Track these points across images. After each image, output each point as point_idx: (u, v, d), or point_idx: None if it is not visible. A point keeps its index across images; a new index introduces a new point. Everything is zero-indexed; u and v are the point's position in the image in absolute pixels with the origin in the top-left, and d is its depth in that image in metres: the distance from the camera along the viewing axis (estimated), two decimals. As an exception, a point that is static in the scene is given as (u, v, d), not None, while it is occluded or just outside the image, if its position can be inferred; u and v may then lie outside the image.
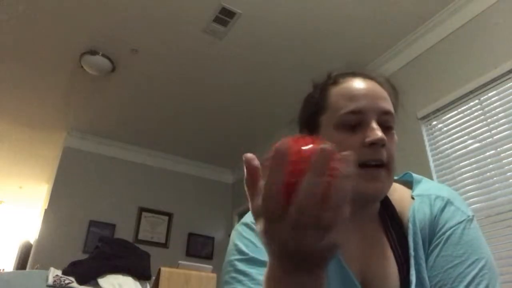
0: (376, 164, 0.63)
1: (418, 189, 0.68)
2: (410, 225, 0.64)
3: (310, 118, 0.74)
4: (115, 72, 3.49)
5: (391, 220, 0.67)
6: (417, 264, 0.61)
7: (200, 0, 2.77)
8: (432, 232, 0.63)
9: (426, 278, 0.61)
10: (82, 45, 3.22)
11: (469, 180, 2.37)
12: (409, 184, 0.71)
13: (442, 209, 0.64)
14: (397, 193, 0.71)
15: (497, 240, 2.13)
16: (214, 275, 2.12)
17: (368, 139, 0.63)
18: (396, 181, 0.72)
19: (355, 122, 0.65)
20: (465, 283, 0.59)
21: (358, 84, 0.68)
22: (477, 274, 0.61)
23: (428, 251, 0.62)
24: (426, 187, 0.69)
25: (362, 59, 3.26)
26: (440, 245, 0.62)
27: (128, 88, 3.75)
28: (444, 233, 0.62)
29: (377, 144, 0.63)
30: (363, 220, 0.66)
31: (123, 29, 3.05)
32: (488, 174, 2.27)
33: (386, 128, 0.68)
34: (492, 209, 2.19)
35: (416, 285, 0.60)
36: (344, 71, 0.72)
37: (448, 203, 0.65)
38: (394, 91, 0.76)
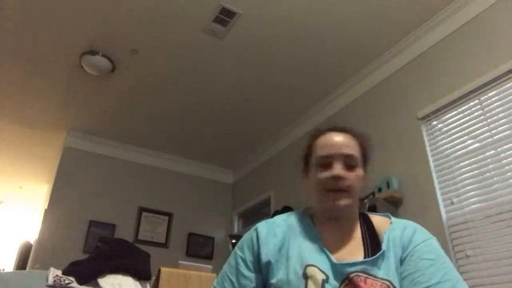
0: (338, 189, 0.93)
1: (394, 219, 0.99)
2: (386, 234, 0.93)
3: (305, 158, 1.04)
4: (115, 72, 3.49)
5: (368, 230, 0.97)
6: (385, 258, 0.88)
7: (200, 0, 2.77)
8: (404, 246, 0.90)
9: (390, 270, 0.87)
10: (82, 45, 3.22)
11: (469, 180, 2.37)
12: (388, 218, 1.01)
13: (414, 232, 0.93)
14: (377, 218, 1.01)
15: (497, 240, 2.13)
16: (214, 275, 2.12)
17: (330, 174, 0.94)
18: (378, 214, 1.03)
19: (326, 163, 0.96)
20: (438, 277, 0.83)
21: (331, 136, 1.00)
22: (446, 272, 0.84)
23: (401, 259, 0.89)
24: (401, 220, 0.99)
25: (362, 59, 3.26)
26: (416, 254, 0.88)
27: (128, 88, 3.75)
28: (417, 245, 0.89)
29: (336, 177, 0.93)
30: (342, 224, 0.97)
31: (123, 29, 3.05)
32: (488, 174, 2.27)
33: (349, 167, 0.96)
34: (492, 209, 2.19)
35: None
36: (326, 127, 1.04)
37: (417, 228, 0.95)
38: (364, 141, 1.04)
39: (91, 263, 1.93)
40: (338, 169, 0.94)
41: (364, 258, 0.88)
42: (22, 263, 4.81)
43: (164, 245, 4.51)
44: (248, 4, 2.79)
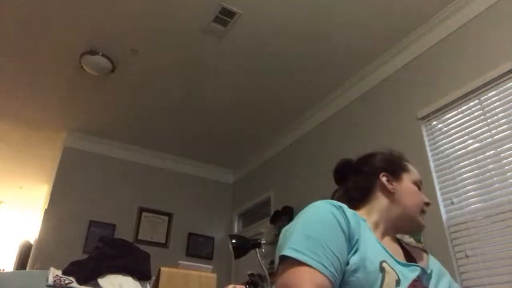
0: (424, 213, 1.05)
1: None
2: (430, 256, 1.05)
3: (398, 170, 1.07)
4: (115, 72, 3.49)
5: (403, 248, 1.04)
6: (429, 276, 0.96)
7: (200, 0, 2.77)
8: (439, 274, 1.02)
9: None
10: (82, 45, 3.22)
11: (469, 180, 2.37)
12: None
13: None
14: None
15: (497, 240, 2.13)
16: (214, 275, 2.12)
17: (428, 200, 1.07)
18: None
19: (419, 187, 1.07)
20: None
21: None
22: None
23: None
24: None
25: (362, 59, 3.26)
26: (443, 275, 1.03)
27: (128, 88, 3.75)
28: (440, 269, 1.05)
29: (429, 204, 1.07)
30: (393, 239, 1.03)
31: (123, 29, 3.05)
32: (488, 174, 2.27)
33: None
34: (492, 209, 2.19)
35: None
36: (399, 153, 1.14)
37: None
38: None
39: (91, 263, 1.93)
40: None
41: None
42: (22, 263, 4.82)
43: (164, 245, 4.51)
44: (248, 4, 2.79)
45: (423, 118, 2.76)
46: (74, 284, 1.77)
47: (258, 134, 4.45)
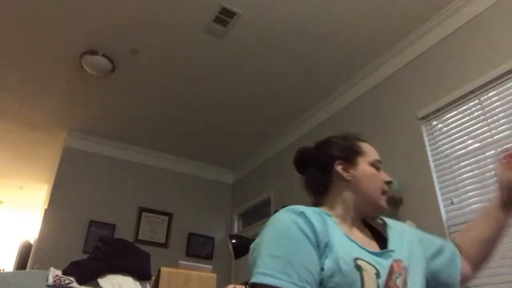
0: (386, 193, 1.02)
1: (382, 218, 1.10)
2: (389, 228, 1.03)
3: (353, 156, 1.03)
4: (115, 72, 3.49)
5: (369, 226, 1.05)
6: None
7: (200, 0, 2.77)
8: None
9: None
10: (82, 45, 3.22)
11: (469, 180, 2.37)
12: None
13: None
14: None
15: (497, 240, 2.12)
16: (214, 275, 2.12)
17: (389, 179, 1.02)
18: None
19: (378, 167, 1.02)
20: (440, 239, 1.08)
21: (371, 146, 1.08)
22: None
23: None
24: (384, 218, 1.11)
25: (362, 59, 3.26)
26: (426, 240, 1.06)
27: (128, 88, 3.75)
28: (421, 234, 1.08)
29: (390, 182, 1.03)
30: (360, 223, 1.02)
31: (123, 29, 3.05)
32: (488, 174, 2.27)
33: None
34: (492, 209, 2.18)
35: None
36: (356, 135, 1.10)
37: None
38: None
39: (91, 263, 1.93)
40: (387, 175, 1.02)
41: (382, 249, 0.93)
42: (22, 263, 4.82)
43: (164, 245, 4.51)
44: (248, 4, 2.79)
45: (423, 118, 2.76)
46: (74, 284, 1.77)
47: (258, 134, 4.45)
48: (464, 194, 2.37)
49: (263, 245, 0.82)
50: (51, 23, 2.99)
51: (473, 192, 2.33)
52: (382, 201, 0.99)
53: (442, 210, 2.46)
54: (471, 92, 2.47)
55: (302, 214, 0.86)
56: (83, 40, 3.17)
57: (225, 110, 4.05)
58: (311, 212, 0.88)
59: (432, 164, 2.62)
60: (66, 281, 1.75)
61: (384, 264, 0.86)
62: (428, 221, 2.47)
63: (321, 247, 0.82)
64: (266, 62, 3.35)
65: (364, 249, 0.87)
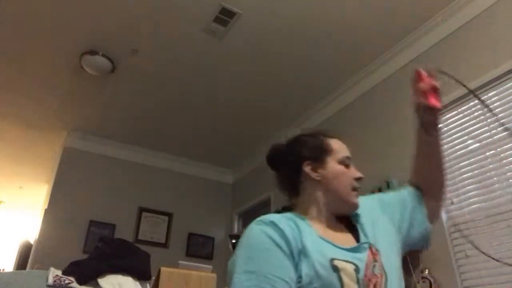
0: (358, 189, 1.00)
1: None
2: (358, 217, 1.01)
3: (321, 155, 1.01)
4: (115, 72, 3.49)
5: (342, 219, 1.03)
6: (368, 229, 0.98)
7: (200, 0, 2.77)
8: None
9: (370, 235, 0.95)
10: (82, 45, 3.22)
11: (469, 180, 2.37)
12: None
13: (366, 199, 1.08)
14: None
15: (497, 240, 2.13)
16: (214, 275, 2.12)
17: (359, 175, 1.01)
18: None
19: (347, 164, 1.01)
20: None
21: (340, 142, 1.06)
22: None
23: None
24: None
25: (362, 59, 3.26)
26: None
27: (128, 88, 3.75)
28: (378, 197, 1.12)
29: (361, 178, 1.01)
30: (335, 221, 1.00)
31: (123, 29, 3.05)
32: (488, 174, 2.27)
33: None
34: (492, 209, 2.19)
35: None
36: (325, 132, 1.08)
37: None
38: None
39: (91, 263, 1.93)
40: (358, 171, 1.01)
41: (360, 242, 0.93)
42: (22, 263, 4.82)
43: (164, 245, 4.51)
44: (248, 4, 2.79)
45: (423, 118, 2.75)
46: (74, 284, 1.77)
47: (258, 134, 4.45)
48: (464, 194, 2.37)
49: (237, 262, 0.82)
50: (51, 23, 2.99)
51: (473, 192, 2.33)
52: (353, 198, 0.98)
53: (442, 210, 2.46)
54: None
55: (272, 223, 0.86)
56: (83, 40, 3.17)
57: (225, 110, 4.05)
58: (282, 219, 0.88)
59: (432, 164, 2.61)
60: (66, 281, 1.75)
61: (361, 258, 0.86)
62: (428, 221, 2.47)
63: (295, 255, 0.82)
64: (266, 62, 3.35)
65: (340, 248, 0.87)
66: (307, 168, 0.99)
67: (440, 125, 1.06)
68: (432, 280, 2.28)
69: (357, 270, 0.82)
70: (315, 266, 0.80)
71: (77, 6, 2.83)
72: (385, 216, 1.02)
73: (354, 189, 0.98)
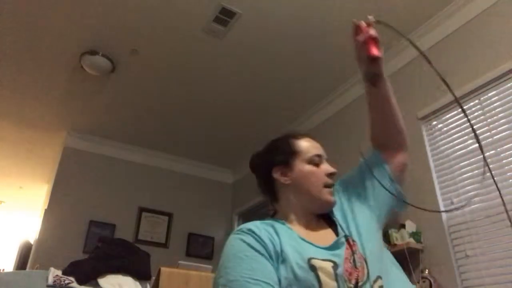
0: (332, 185, 1.00)
1: None
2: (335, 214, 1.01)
3: (287, 159, 1.01)
4: (115, 72, 3.49)
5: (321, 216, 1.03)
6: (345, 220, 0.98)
7: (200, 0, 2.77)
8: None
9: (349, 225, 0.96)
10: (82, 45, 3.22)
11: (469, 180, 2.37)
12: None
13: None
14: None
15: (497, 240, 2.13)
16: (214, 275, 2.12)
17: (331, 170, 1.00)
18: None
19: (317, 162, 1.00)
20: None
21: (310, 140, 1.06)
22: None
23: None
24: None
25: (362, 59, 3.26)
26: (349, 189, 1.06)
27: (128, 88, 3.75)
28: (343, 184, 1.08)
29: (334, 173, 1.00)
30: (314, 219, 1.00)
31: (123, 29, 3.05)
32: (488, 174, 2.27)
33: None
34: (492, 209, 2.19)
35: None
36: (295, 132, 1.08)
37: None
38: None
39: (91, 263, 1.93)
40: (331, 167, 1.01)
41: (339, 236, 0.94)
42: (22, 263, 4.81)
43: (164, 245, 4.51)
44: (248, 4, 2.79)
45: (423, 118, 2.76)
46: (74, 284, 1.77)
47: (257, 134, 4.45)
48: (464, 194, 2.37)
49: (220, 273, 0.84)
50: (51, 23, 2.99)
51: (473, 192, 2.33)
52: (326, 195, 0.97)
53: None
54: (471, 92, 2.46)
55: (249, 231, 0.87)
56: (83, 40, 3.17)
57: (225, 110, 4.05)
58: (260, 226, 0.89)
59: (432, 164, 2.62)
60: (66, 281, 1.75)
61: (339, 254, 0.86)
62: (428, 221, 2.47)
63: (274, 259, 0.83)
64: (266, 62, 3.35)
65: (319, 247, 0.87)
66: (276, 174, 1.00)
67: (384, 75, 1.04)
68: (432, 280, 2.28)
69: (335, 267, 0.82)
70: (293, 268, 0.80)
71: (77, 6, 2.83)
72: (351, 196, 1.02)
73: (327, 186, 0.98)
